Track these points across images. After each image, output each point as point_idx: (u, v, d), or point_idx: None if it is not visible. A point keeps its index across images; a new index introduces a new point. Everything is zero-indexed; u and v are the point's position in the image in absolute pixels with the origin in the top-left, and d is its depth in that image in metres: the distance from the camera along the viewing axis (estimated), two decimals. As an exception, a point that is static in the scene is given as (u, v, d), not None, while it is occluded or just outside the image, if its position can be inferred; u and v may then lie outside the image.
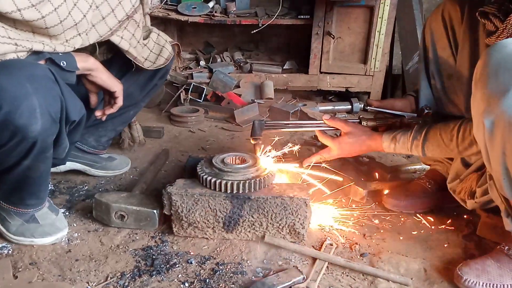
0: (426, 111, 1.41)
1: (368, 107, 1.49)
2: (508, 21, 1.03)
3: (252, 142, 1.44)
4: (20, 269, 1.19)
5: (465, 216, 1.49)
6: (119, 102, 1.41)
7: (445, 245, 1.36)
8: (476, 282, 1.13)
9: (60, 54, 1.18)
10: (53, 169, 1.44)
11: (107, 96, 1.43)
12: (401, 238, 1.39)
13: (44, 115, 1.03)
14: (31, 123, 1.01)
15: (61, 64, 1.17)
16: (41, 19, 1.09)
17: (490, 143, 0.98)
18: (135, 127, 1.97)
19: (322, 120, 1.45)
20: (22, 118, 1.00)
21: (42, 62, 1.14)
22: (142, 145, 2.02)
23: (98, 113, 1.45)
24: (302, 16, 2.70)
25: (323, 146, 2.06)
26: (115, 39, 1.37)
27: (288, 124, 1.62)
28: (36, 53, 1.13)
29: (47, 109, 1.04)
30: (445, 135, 1.23)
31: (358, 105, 2.68)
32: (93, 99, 1.40)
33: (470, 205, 1.33)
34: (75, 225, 1.40)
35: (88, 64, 1.27)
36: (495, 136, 0.96)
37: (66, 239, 1.33)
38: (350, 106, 2.70)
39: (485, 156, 1.03)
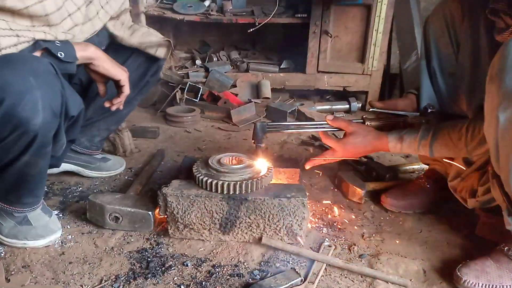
0: (429, 110, 1.40)
1: (371, 108, 1.48)
2: None
3: (255, 144, 1.42)
4: (12, 272, 1.17)
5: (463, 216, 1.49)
6: (125, 90, 1.37)
7: (444, 246, 1.35)
8: (476, 283, 1.12)
9: (58, 44, 1.16)
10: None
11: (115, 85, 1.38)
12: (400, 238, 1.38)
13: (46, 109, 1.04)
14: (33, 116, 1.02)
15: (59, 55, 1.15)
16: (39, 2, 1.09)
17: (502, 139, 0.97)
18: (126, 134, 1.90)
19: (325, 120, 1.43)
20: (24, 111, 1.01)
21: (38, 52, 1.13)
22: (132, 154, 1.94)
23: (107, 104, 1.40)
24: (299, 15, 2.69)
25: (321, 146, 2.07)
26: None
27: (290, 125, 1.60)
28: (33, 44, 1.12)
29: (49, 103, 1.04)
30: (453, 134, 1.22)
31: (355, 105, 2.68)
32: (101, 88, 1.36)
33: (471, 204, 1.32)
34: (68, 227, 1.38)
35: (88, 53, 1.24)
36: (508, 133, 0.94)
37: (60, 241, 1.31)
38: (348, 106, 2.70)
39: (494, 153, 1.02)
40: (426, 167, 1.66)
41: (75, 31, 1.24)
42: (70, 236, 1.33)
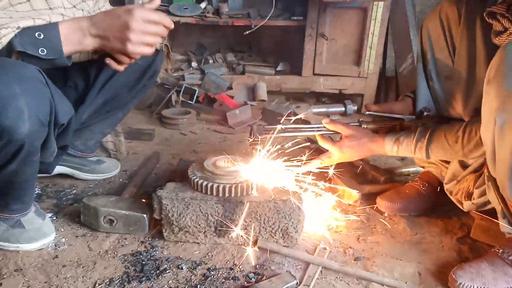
0: (425, 113, 1.40)
1: (367, 111, 1.48)
2: None
3: (251, 146, 1.42)
4: (4, 276, 1.16)
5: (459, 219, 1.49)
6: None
7: (439, 248, 1.35)
8: (471, 286, 1.12)
9: (40, 37, 1.03)
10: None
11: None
12: (395, 241, 1.38)
13: (32, 118, 1.00)
14: (18, 125, 0.98)
15: (40, 52, 1.03)
16: None
17: (499, 142, 0.98)
18: (123, 140, 1.88)
19: (321, 123, 1.43)
20: (8, 119, 0.97)
21: (14, 56, 1.04)
22: (122, 157, 1.91)
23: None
24: (295, 18, 2.70)
25: (317, 149, 2.07)
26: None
27: (287, 128, 1.60)
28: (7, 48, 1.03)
29: (35, 111, 1.00)
30: (450, 136, 1.22)
31: (351, 107, 2.69)
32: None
33: (467, 206, 1.33)
34: (62, 230, 1.37)
35: (80, 47, 1.07)
36: (506, 135, 0.95)
37: (53, 244, 1.30)
38: (343, 108, 2.70)
39: (490, 155, 1.02)
40: (422, 170, 1.66)
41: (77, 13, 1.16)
42: (63, 239, 1.32)
